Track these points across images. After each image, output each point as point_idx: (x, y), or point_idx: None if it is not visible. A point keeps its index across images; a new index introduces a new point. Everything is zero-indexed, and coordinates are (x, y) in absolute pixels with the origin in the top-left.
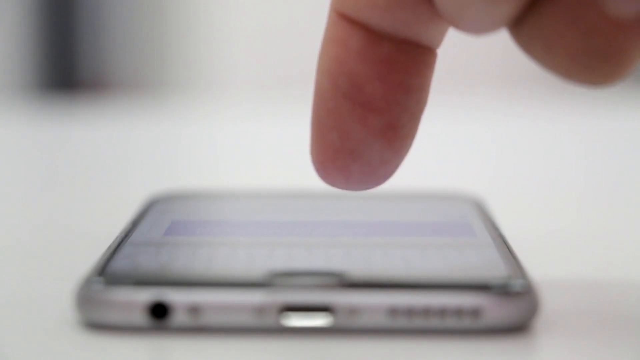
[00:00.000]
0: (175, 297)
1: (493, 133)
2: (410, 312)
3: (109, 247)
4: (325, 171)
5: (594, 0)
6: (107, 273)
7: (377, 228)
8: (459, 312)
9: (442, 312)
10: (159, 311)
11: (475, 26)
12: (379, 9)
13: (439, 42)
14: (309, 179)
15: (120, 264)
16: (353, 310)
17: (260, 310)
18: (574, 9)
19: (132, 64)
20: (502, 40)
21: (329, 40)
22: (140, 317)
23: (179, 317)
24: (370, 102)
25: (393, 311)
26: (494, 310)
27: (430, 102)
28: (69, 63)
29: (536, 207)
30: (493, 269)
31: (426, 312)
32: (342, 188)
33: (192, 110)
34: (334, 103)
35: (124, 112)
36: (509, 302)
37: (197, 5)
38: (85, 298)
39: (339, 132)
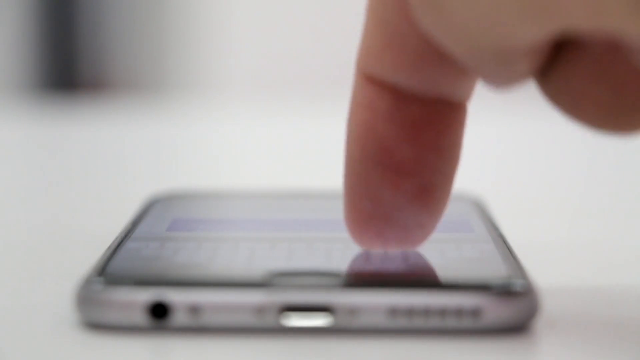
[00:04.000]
0: (175, 297)
1: (494, 133)
2: (410, 312)
3: (109, 247)
4: (360, 237)
5: (619, 53)
6: (107, 273)
7: None
8: (459, 312)
9: (442, 312)
10: (159, 311)
11: (499, 81)
12: (406, 68)
13: (469, 95)
14: (309, 178)
15: (120, 264)
16: (353, 310)
17: (260, 310)
18: (601, 62)
19: (132, 64)
20: None
21: (356, 105)
22: (140, 317)
23: (179, 317)
24: (401, 166)
25: (393, 311)
26: (494, 310)
27: None
28: (69, 63)
29: (536, 208)
30: (493, 269)
31: (426, 312)
32: (379, 249)
33: (192, 110)
34: (364, 169)
35: (124, 112)
36: (509, 302)
37: (197, 6)
38: (85, 298)
39: (371, 198)
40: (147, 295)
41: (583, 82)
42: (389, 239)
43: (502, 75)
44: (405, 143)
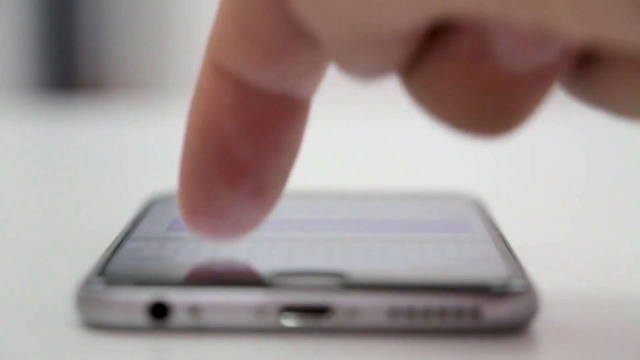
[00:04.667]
0: (175, 297)
1: None
2: (410, 312)
3: (109, 247)
4: (192, 227)
5: (486, 55)
6: (107, 273)
7: (377, 228)
8: (459, 312)
9: (442, 312)
10: (159, 311)
11: (360, 73)
12: (257, 61)
13: (314, 92)
14: (309, 178)
15: (120, 264)
16: (353, 310)
17: (260, 310)
18: (465, 64)
19: (132, 64)
20: None
21: (201, 94)
22: (140, 317)
23: (179, 317)
24: (239, 166)
25: (393, 311)
26: (494, 310)
27: None
28: (69, 63)
29: (536, 208)
30: (493, 269)
31: (426, 312)
32: (209, 238)
33: None
34: (201, 163)
35: (124, 112)
36: (509, 302)
37: (197, 6)
38: (85, 298)
39: (206, 192)
40: (147, 295)
41: (447, 82)
42: (219, 230)
43: (368, 66)
44: (245, 141)
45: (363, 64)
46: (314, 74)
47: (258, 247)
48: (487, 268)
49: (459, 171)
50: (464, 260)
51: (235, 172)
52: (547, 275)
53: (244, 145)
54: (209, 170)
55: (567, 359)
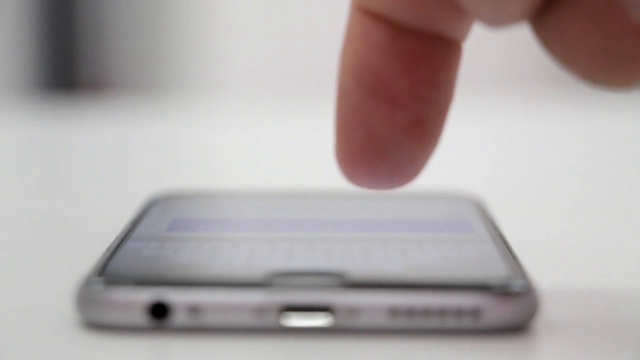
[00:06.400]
0: (175, 297)
1: (493, 133)
2: (410, 312)
3: (109, 247)
4: (351, 171)
5: (616, 4)
6: (107, 273)
7: (377, 228)
8: (459, 312)
9: (442, 312)
10: (159, 311)
11: (492, 19)
12: (403, 3)
13: (464, 35)
14: (309, 178)
15: (120, 264)
16: (353, 310)
17: (260, 310)
18: (596, 11)
19: (132, 64)
20: (502, 40)
21: (352, 37)
22: (140, 317)
23: (179, 317)
24: (396, 98)
25: (393, 311)
26: (494, 310)
27: None
28: (69, 63)
29: (536, 207)
30: (493, 268)
31: (426, 312)
32: (368, 187)
33: (192, 110)
34: (359, 100)
35: (124, 112)
36: (509, 302)
37: (197, 6)
38: (85, 298)
39: (365, 130)
40: (147, 295)
41: (577, 32)
42: (380, 172)
43: (496, 15)
44: (400, 75)
45: (489, 14)
46: (461, 18)
47: (258, 247)
48: (487, 268)
49: (459, 171)
50: (464, 260)
51: (392, 105)
52: (547, 274)
53: (398, 79)
54: (365, 105)
55: (567, 359)
